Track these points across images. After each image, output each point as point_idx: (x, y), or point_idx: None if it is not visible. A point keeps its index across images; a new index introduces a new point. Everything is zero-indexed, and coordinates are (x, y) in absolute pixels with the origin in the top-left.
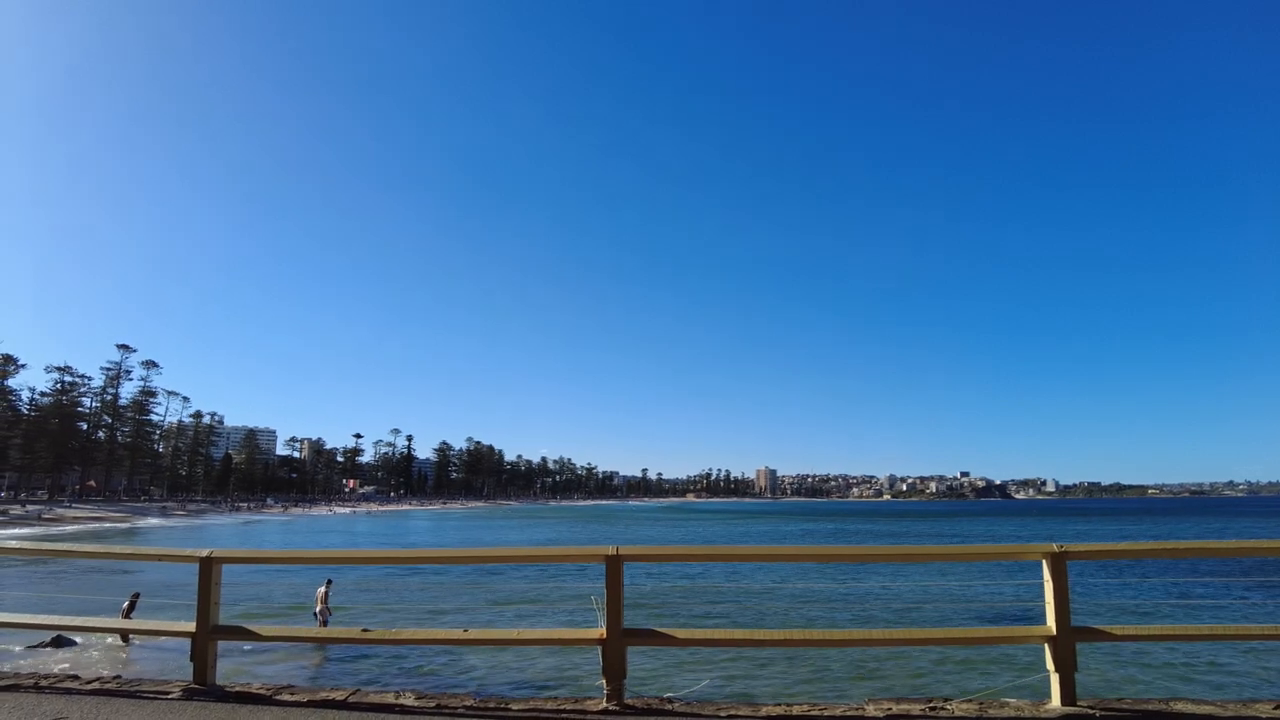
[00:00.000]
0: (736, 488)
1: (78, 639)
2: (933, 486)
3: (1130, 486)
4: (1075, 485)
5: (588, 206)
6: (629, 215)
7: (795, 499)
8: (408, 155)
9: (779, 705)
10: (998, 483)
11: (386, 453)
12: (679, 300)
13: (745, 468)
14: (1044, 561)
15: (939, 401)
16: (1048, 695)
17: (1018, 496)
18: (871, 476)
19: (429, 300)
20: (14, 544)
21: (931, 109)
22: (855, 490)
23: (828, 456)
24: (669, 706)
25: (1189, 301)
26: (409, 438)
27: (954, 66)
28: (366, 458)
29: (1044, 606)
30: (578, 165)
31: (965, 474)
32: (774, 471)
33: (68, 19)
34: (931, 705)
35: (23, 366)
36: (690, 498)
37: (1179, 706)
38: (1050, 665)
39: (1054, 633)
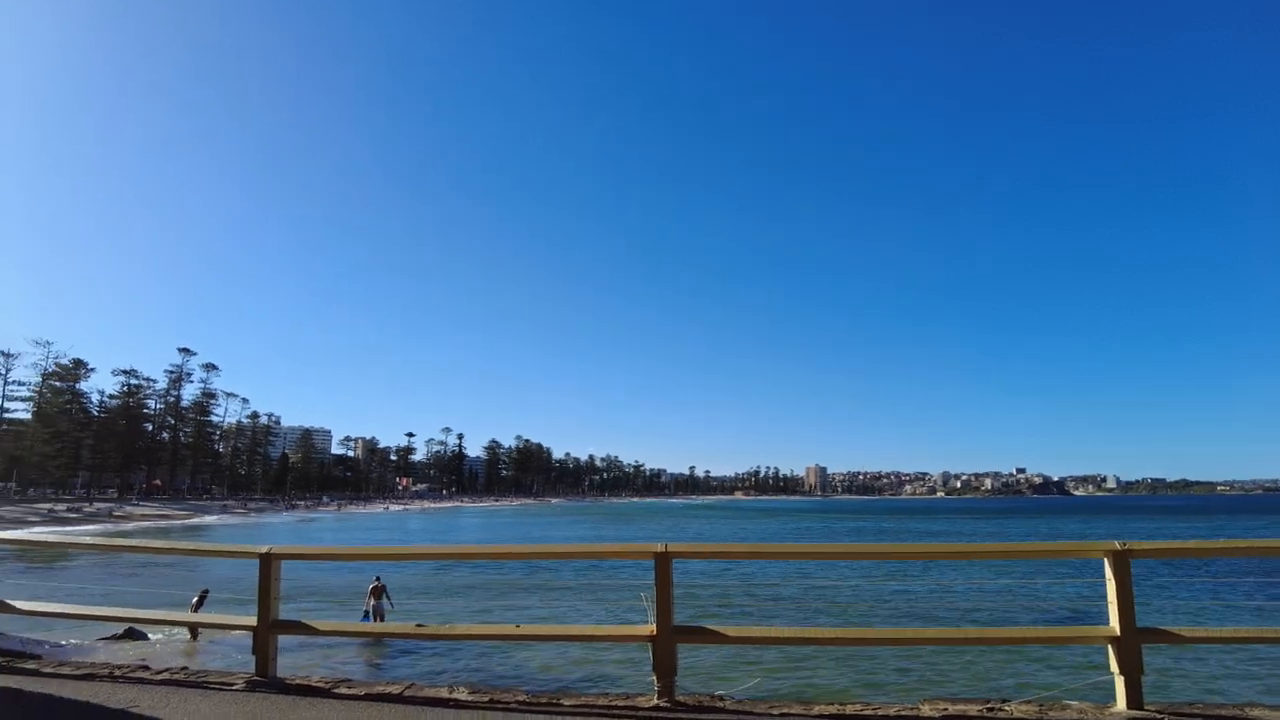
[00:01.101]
0: (786, 485)
1: (148, 632)
2: (988, 483)
3: (1198, 483)
4: (1138, 481)
5: (633, 211)
6: (674, 221)
7: (846, 497)
8: (453, 159)
9: (832, 704)
10: (1055, 479)
11: (438, 451)
12: (726, 300)
13: (795, 465)
14: (1106, 559)
15: (994, 396)
16: (1112, 698)
17: (1077, 493)
18: (924, 473)
19: (479, 301)
20: (88, 540)
21: (1011, 114)
22: (907, 487)
23: (879, 453)
24: (720, 704)
25: (1256, 293)
26: (460, 436)
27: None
28: (419, 456)
29: (1106, 606)
30: (616, 169)
31: (1021, 470)
32: (824, 469)
33: (111, 21)
34: (989, 706)
35: (92, 370)
36: (739, 496)
37: (1255, 713)
38: (1114, 667)
39: (1118, 634)
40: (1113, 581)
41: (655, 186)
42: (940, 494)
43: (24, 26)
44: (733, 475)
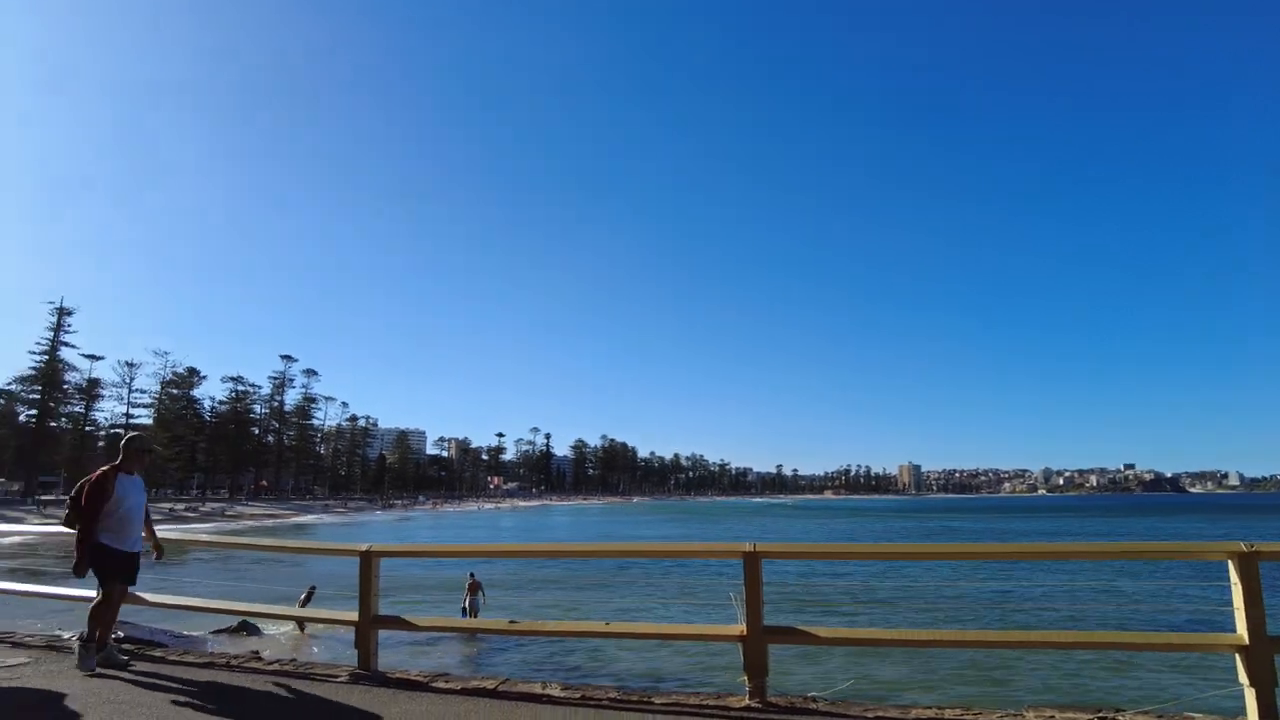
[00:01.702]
0: (878, 484)
1: (260, 625)
2: (1093, 480)
3: None
4: (1266, 479)
5: (715, 214)
6: (755, 222)
7: (941, 495)
8: (537, 163)
9: (929, 708)
10: (1169, 475)
11: (526, 451)
12: (815, 300)
13: (887, 464)
14: (1230, 562)
15: (1098, 389)
16: (1241, 711)
17: (1193, 490)
18: (1024, 470)
19: (566, 303)
20: (205, 538)
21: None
22: (1006, 485)
23: (976, 450)
24: (813, 705)
25: None
26: (547, 436)
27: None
28: (509, 456)
29: (1232, 612)
30: (706, 174)
31: (1130, 466)
32: (918, 467)
33: (198, 37)
34: (1101, 715)
35: (204, 378)
36: (828, 495)
37: None
38: (1243, 678)
39: (1246, 642)
40: (1239, 586)
41: (736, 189)
42: (1041, 491)
43: (118, 52)
44: (822, 474)
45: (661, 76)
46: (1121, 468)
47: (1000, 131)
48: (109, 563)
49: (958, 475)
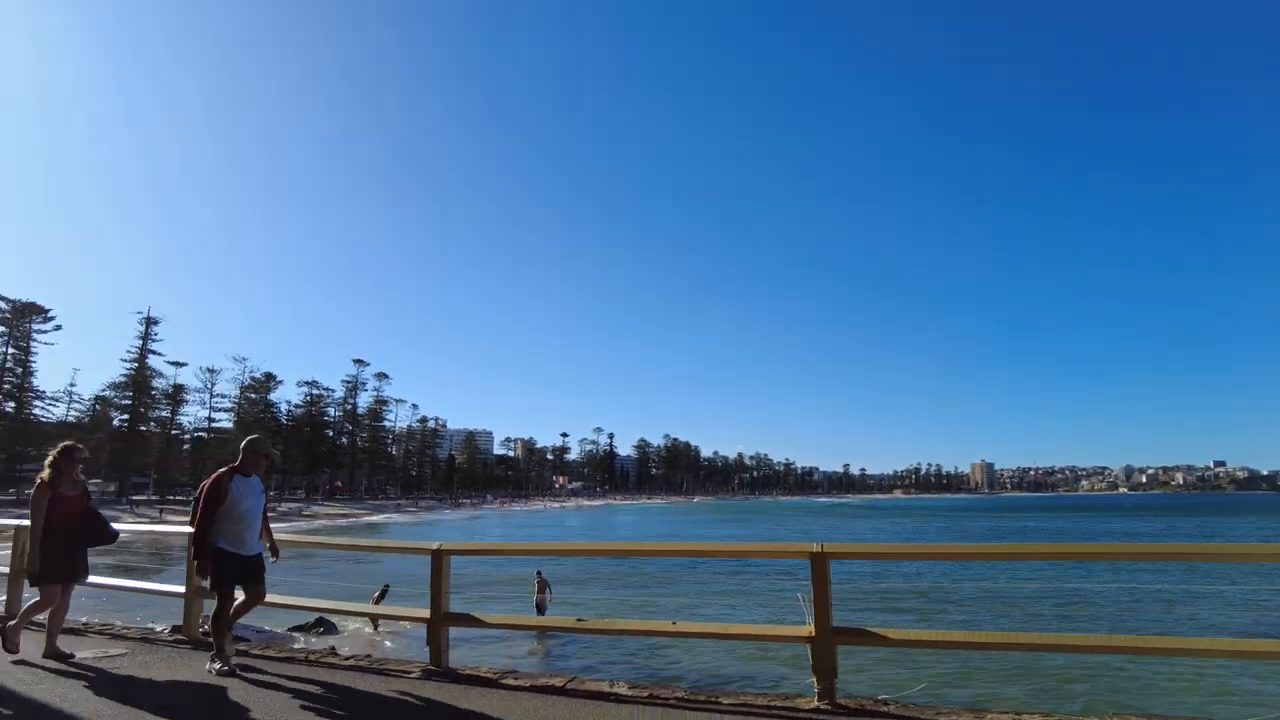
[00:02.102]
0: (949, 483)
1: (336, 622)
2: (1179, 478)
3: None
4: None
5: (778, 221)
6: (818, 227)
7: (1015, 494)
8: (590, 166)
9: (1006, 713)
10: (1264, 473)
11: (590, 450)
12: (880, 298)
13: (959, 462)
14: None
15: (1184, 383)
16: None
17: None
18: (1104, 468)
19: (630, 305)
20: (283, 537)
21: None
22: (1085, 483)
23: (1052, 448)
24: (884, 708)
25: None
26: (610, 436)
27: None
28: (573, 455)
29: None
30: (761, 177)
31: (1220, 463)
32: (990, 465)
33: (283, 52)
34: None
35: (280, 382)
36: (897, 494)
37: None
38: None
39: None
40: None
41: (799, 197)
42: (1123, 490)
43: (203, 53)
44: (891, 473)
45: (727, 80)
46: (1210, 465)
47: (1074, 135)
48: (225, 567)
49: (1032, 473)
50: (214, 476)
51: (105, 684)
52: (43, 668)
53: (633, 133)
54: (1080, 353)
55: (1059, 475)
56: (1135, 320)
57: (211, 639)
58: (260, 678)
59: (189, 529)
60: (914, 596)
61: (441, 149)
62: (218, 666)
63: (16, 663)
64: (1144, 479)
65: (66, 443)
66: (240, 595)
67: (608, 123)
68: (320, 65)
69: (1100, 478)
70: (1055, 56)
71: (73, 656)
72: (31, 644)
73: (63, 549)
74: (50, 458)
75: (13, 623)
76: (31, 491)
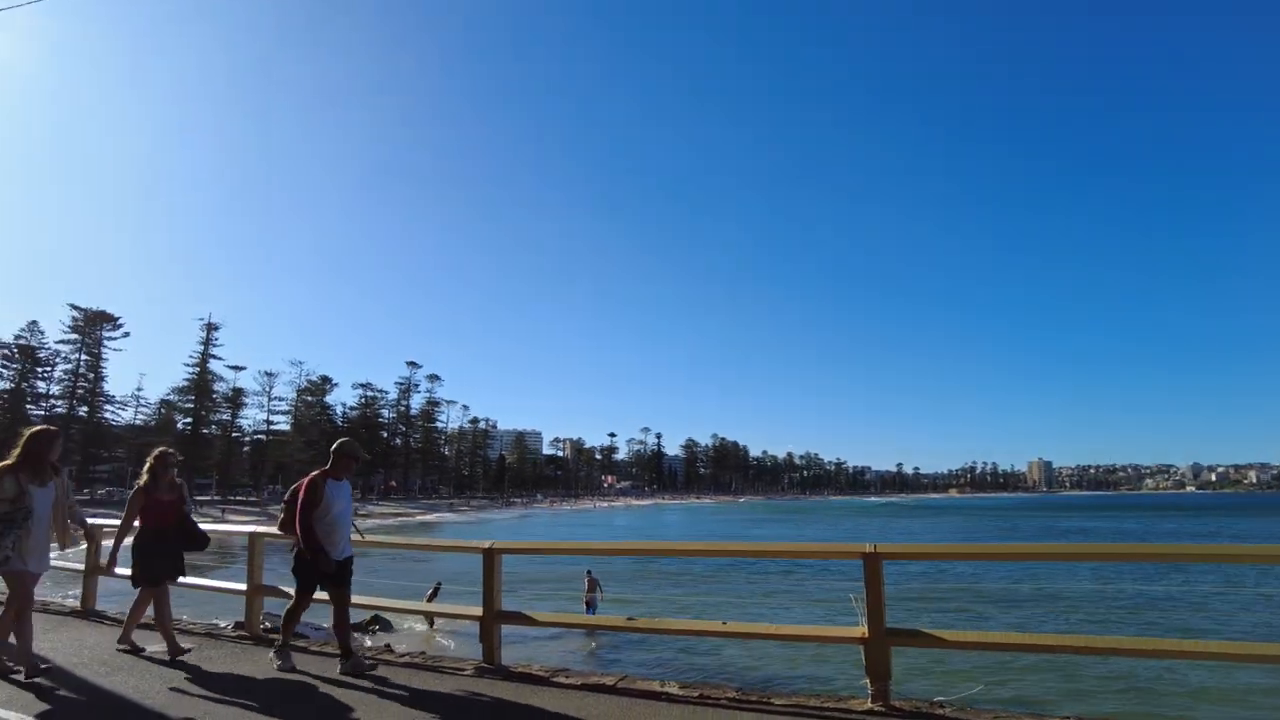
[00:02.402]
0: (1005, 482)
1: (391, 619)
2: (1252, 475)
3: None
4: None
5: (836, 216)
6: (876, 228)
7: (1074, 492)
8: (631, 166)
9: (1067, 717)
10: None
11: (638, 450)
12: (933, 293)
13: (1015, 460)
14: None
15: (1258, 376)
16: None
17: None
18: (1169, 466)
19: (677, 305)
20: None
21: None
22: (1149, 481)
23: (1114, 445)
24: (940, 711)
25: None
26: (658, 435)
27: None
28: (621, 455)
29: None
30: (818, 172)
31: None
32: (1049, 463)
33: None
34: None
35: (335, 385)
36: (952, 493)
37: None
38: None
39: None
40: None
41: (862, 199)
42: (1190, 488)
43: (262, 61)
44: (945, 472)
45: (752, 85)
46: None
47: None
48: (320, 567)
49: (1092, 471)
50: (308, 479)
51: (174, 677)
52: (114, 661)
53: (648, 133)
54: (1144, 347)
55: (1121, 473)
56: (1203, 312)
57: (278, 635)
58: (320, 673)
59: (248, 529)
60: (970, 597)
61: (479, 155)
62: (279, 662)
63: (100, 656)
64: (1213, 477)
65: (161, 448)
66: (320, 596)
67: (619, 124)
68: (360, 75)
69: (1165, 476)
70: (1055, 57)
71: (144, 651)
72: (105, 637)
73: (157, 552)
74: (147, 463)
75: (122, 631)
76: (129, 494)
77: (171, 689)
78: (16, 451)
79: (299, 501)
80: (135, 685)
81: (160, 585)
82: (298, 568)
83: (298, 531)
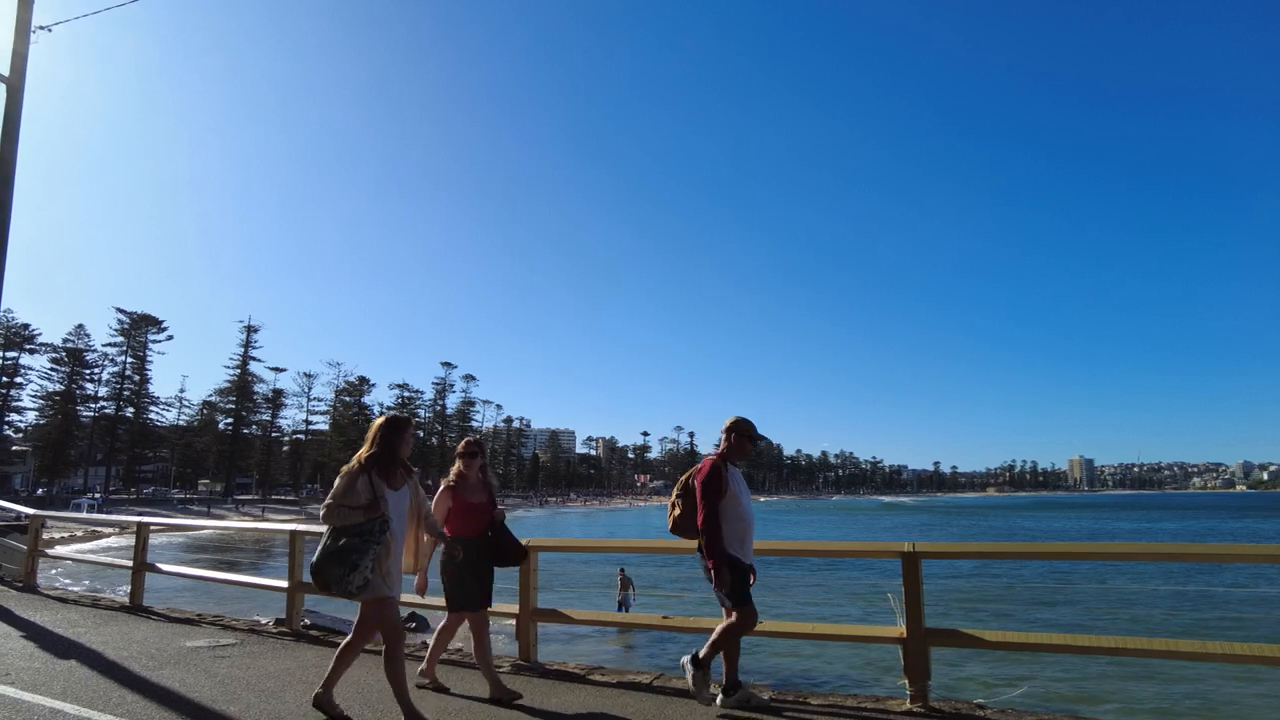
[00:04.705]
0: (1045, 480)
1: (428, 617)
2: None
3: None
4: None
5: (873, 211)
6: (915, 225)
7: (1117, 491)
8: (660, 168)
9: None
10: None
11: (671, 449)
12: (970, 295)
13: (1056, 458)
14: None
15: None
16: None
17: None
18: (1218, 464)
19: (709, 302)
20: None
21: None
22: (1196, 480)
23: (1159, 443)
24: (980, 713)
25: None
26: (691, 434)
27: None
28: (653, 454)
29: None
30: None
31: None
32: (1090, 461)
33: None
34: None
35: (373, 386)
36: (991, 492)
37: None
38: None
39: None
40: None
41: (912, 204)
42: (1240, 487)
43: (295, 65)
44: (984, 470)
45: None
46: None
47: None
48: (747, 579)
49: (1136, 470)
50: (709, 464)
51: (219, 670)
52: (160, 655)
53: (670, 132)
54: (1192, 344)
55: (1166, 472)
56: (1249, 306)
57: (695, 667)
58: (355, 673)
59: (289, 527)
60: (1012, 597)
61: (506, 160)
62: (708, 695)
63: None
64: (1265, 476)
65: (468, 437)
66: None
67: (632, 126)
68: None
69: (1214, 474)
70: (1058, 57)
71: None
72: (153, 632)
73: (468, 569)
74: (457, 451)
75: (423, 665)
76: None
77: (214, 682)
78: (366, 447)
79: (699, 489)
80: (181, 679)
81: (476, 610)
82: (733, 578)
83: (702, 528)
